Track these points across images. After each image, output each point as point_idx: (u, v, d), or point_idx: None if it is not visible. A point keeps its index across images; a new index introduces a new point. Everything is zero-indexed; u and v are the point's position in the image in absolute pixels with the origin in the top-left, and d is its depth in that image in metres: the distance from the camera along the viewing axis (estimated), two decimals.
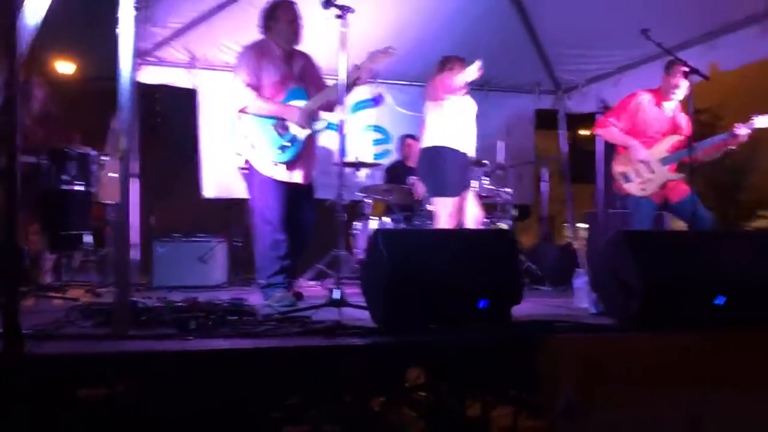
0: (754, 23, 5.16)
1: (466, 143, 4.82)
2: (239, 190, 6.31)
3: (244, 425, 2.39)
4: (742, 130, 4.46)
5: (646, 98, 4.71)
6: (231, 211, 6.91)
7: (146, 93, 6.79)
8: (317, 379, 2.47)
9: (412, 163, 6.60)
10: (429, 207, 5.44)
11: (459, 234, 3.71)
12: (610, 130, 4.78)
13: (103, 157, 4.80)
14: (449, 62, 4.87)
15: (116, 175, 5.02)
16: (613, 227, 5.43)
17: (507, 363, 2.65)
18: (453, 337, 2.62)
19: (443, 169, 4.67)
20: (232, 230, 6.32)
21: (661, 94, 4.71)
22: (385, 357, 2.54)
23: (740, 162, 12.40)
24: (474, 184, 5.12)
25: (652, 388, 2.48)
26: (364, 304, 2.94)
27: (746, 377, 2.61)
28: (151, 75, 6.27)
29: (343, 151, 3.56)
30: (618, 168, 4.79)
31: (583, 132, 12.77)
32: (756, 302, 2.93)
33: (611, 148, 5.04)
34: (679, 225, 5.06)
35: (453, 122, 4.76)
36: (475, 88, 5.32)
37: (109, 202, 5.10)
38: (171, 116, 7.76)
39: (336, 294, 3.07)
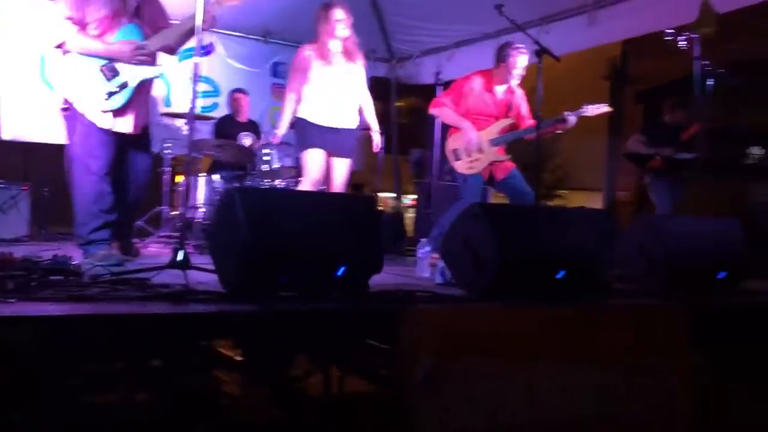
0: (583, 13, 5.49)
1: (337, 115, 4.62)
2: (45, 133, 5.69)
3: (49, 396, 2.11)
4: (572, 117, 4.62)
5: (478, 82, 4.78)
6: (32, 156, 6.20)
7: None
8: (150, 346, 2.25)
9: (242, 117, 6.30)
10: (264, 168, 5.21)
11: (321, 197, 3.56)
12: (444, 110, 4.85)
13: None
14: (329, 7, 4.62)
15: None
16: (444, 199, 5.57)
17: (360, 333, 2.58)
18: (308, 306, 2.48)
19: (304, 137, 4.58)
20: (35, 178, 5.64)
21: (493, 78, 4.79)
22: (224, 325, 2.35)
23: (545, 145, 13.38)
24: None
25: (503, 361, 2.52)
26: (212, 267, 2.71)
27: (576, 350, 2.74)
28: None
29: (194, 100, 3.26)
30: (450, 146, 4.88)
31: (398, 104, 13.07)
32: (590, 275, 3.12)
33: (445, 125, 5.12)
34: (501, 200, 5.27)
35: (321, 92, 4.57)
36: None
37: None
38: None
39: (180, 255, 2.80)
